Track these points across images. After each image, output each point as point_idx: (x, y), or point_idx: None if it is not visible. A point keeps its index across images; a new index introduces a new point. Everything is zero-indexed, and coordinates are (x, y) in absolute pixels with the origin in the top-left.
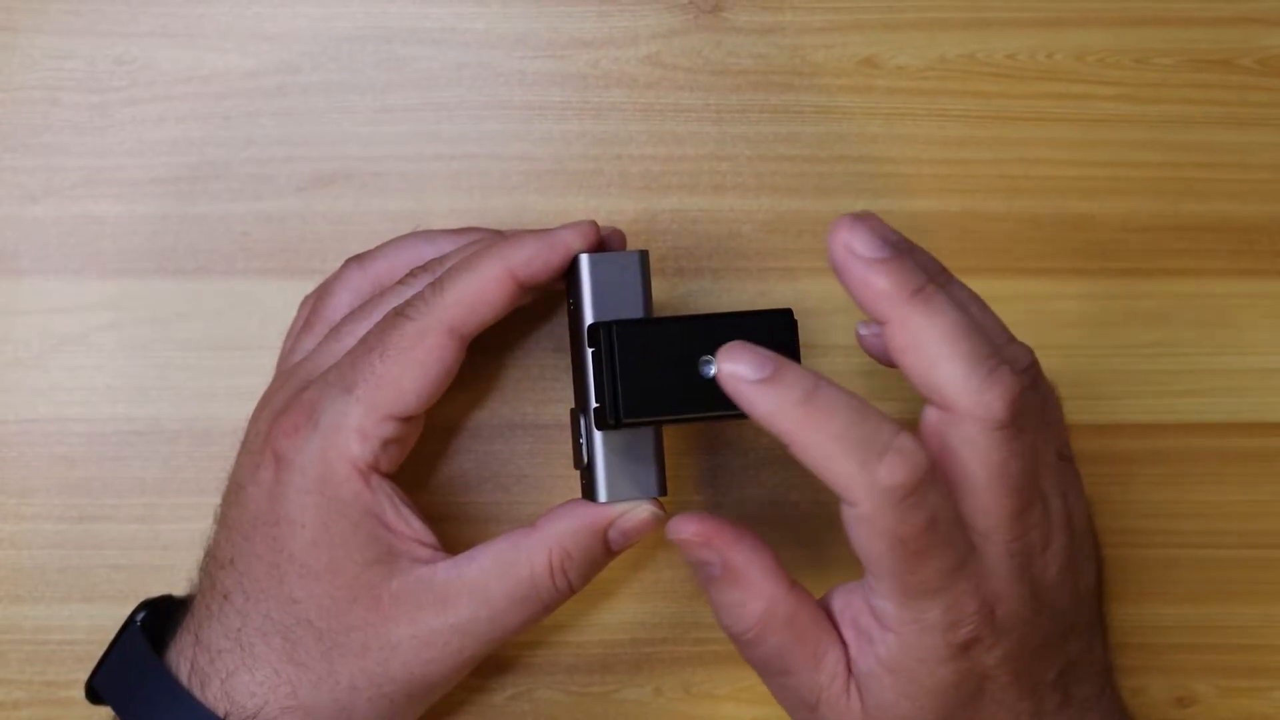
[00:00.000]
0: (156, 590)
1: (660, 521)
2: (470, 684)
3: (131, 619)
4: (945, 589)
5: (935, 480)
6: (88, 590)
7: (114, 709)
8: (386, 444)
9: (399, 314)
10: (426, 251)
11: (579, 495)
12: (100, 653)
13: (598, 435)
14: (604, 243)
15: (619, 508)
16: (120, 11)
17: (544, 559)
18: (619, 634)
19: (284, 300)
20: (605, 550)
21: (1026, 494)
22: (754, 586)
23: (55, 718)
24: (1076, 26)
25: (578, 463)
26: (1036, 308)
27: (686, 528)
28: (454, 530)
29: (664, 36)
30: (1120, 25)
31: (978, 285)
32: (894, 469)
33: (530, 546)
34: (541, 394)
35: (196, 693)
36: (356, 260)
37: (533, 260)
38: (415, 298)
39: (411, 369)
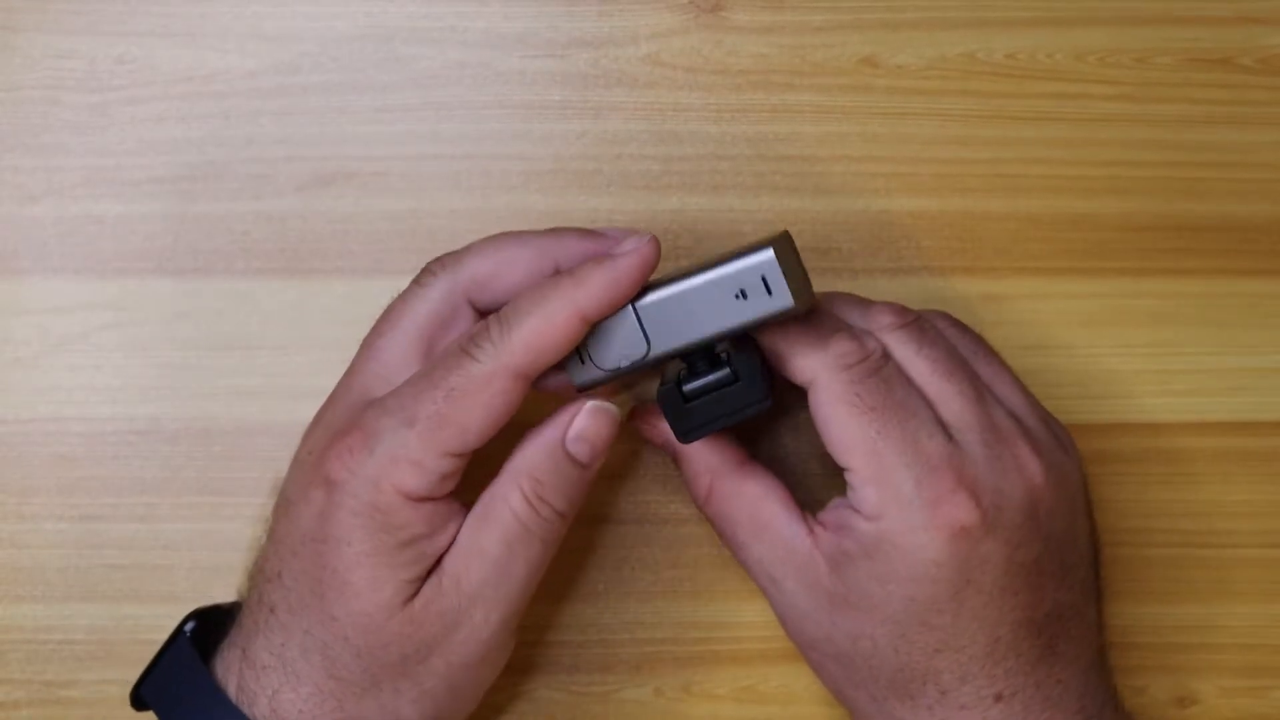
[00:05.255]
0: (155, 589)
1: (615, 419)
2: None
3: (180, 629)
4: (915, 458)
5: (889, 362)
6: (87, 590)
7: (160, 718)
8: (445, 478)
9: (465, 353)
10: (518, 255)
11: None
12: (101, 653)
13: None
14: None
15: (568, 414)
16: (120, 11)
17: (518, 495)
18: (619, 634)
19: (284, 300)
20: (575, 465)
21: (963, 377)
22: (700, 461)
23: (55, 718)
24: (1076, 26)
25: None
26: (1036, 308)
27: (637, 414)
28: None
29: (664, 36)
30: (1120, 25)
31: (978, 285)
32: (844, 343)
33: (503, 488)
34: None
35: (245, 709)
36: (440, 262)
37: (601, 301)
38: (481, 337)
39: (476, 412)
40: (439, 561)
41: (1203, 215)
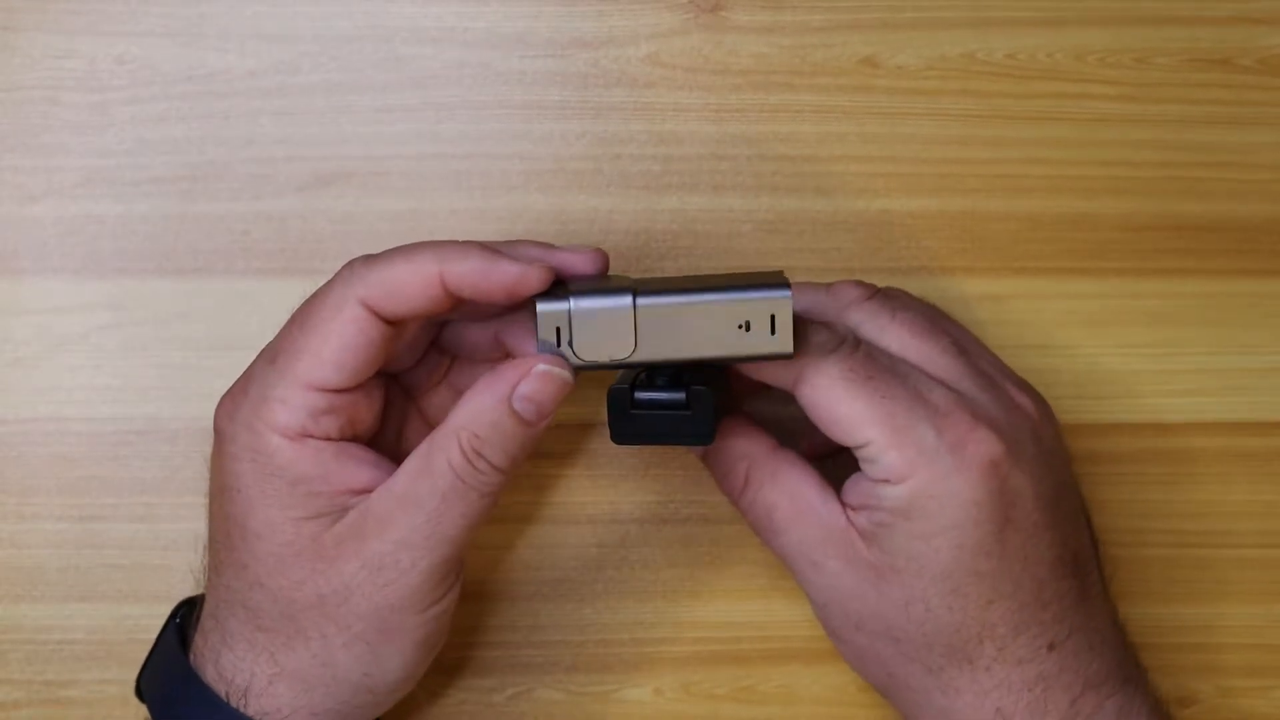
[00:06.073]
0: (155, 589)
1: (563, 381)
2: (470, 684)
3: (173, 617)
4: (926, 410)
5: (862, 341)
6: (87, 590)
7: (148, 708)
8: (317, 414)
9: (327, 285)
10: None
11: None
12: (100, 653)
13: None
14: (561, 278)
15: (516, 371)
16: (121, 11)
17: (455, 448)
18: (619, 634)
19: (284, 300)
20: (519, 422)
21: (940, 333)
22: (735, 448)
23: (55, 718)
24: (1076, 26)
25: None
26: (1036, 308)
27: None
28: None
29: (664, 36)
30: (1120, 25)
31: (978, 285)
32: (820, 333)
33: (443, 438)
34: None
35: (203, 677)
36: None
37: (466, 276)
38: (344, 269)
39: (329, 340)
40: (369, 503)
41: (1203, 215)
